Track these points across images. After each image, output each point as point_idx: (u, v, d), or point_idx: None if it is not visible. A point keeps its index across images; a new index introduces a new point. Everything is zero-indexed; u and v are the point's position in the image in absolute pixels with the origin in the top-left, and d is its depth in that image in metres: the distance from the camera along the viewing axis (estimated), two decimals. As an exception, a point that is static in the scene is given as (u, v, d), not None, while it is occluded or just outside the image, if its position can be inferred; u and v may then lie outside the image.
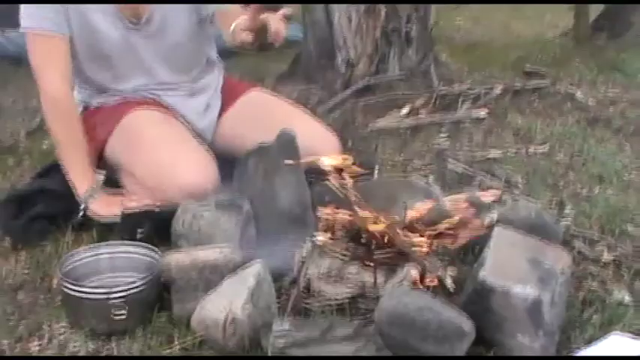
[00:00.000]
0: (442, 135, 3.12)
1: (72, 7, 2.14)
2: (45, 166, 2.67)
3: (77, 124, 2.17)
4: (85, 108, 2.39)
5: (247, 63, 5.38)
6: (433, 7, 3.98)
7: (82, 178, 2.15)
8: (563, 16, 8.75)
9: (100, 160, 2.30)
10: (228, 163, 2.26)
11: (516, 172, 2.68)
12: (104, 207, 2.14)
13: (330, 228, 1.84)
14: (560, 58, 5.22)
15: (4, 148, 3.48)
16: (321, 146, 2.29)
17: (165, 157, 2.11)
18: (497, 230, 1.73)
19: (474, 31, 7.06)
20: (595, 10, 6.07)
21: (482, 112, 3.32)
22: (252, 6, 1.97)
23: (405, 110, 3.32)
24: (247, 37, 2.00)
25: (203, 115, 2.44)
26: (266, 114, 2.43)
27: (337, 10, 3.73)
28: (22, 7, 2.16)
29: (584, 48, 5.50)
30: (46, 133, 3.74)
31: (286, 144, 2.11)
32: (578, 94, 3.73)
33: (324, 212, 1.85)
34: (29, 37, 2.17)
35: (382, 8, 3.64)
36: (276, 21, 2.05)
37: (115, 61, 2.28)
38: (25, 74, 5.55)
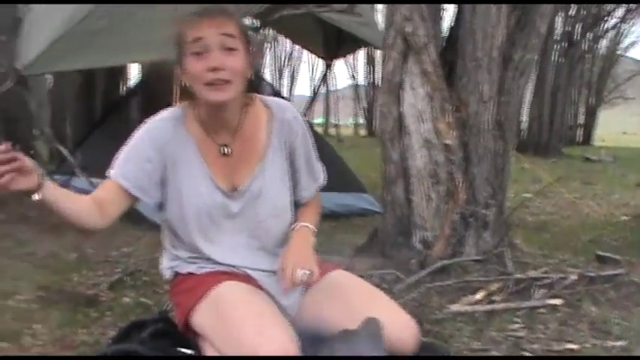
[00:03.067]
0: (517, 322, 3.13)
1: (170, 178, 2.24)
2: (126, 325, 2.76)
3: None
4: (176, 274, 2.47)
5: (322, 232, 5.52)
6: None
7: None
8: (633, 195, 8.84)
9: (187, 327, 2.35)
10: (309, 341, 2.30)
11: (594, 369, 2.67)
12: None
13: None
14: (632, 241, 5.22)
15: (86, 300, 3.58)
16: (402, 334, 2.32)
17: (249, 334, 2.11)
18: None
19: (543, 207, 7.16)
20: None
21: (558, 301, 3.32)
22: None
23: (479, 295, 3.35)
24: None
25: (288, 293, 2.47)
26: (348, 296, 2.44)
27: (417, 190, 3.86)
28: (122, 154, 2.23)
29: (656, 232, 5.50)
30: (128, 286, 3.88)
31: (372, 332, 2.17)
32: (654, 287, 3.72)
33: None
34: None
35: (462, 193, 3.77)
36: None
37: (205, 227, 2.35)
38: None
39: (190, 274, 2.39)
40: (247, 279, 2.38)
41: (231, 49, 2.10)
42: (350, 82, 39.46)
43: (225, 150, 2.27)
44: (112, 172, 2.21)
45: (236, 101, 2.22)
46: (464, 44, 3.93)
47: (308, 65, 45.20)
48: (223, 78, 2.10)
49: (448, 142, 3.79)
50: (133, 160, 2.23)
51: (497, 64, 3.89)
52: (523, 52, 3.98)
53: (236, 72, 2.13)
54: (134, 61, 8.23)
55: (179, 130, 2.25)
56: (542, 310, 3.30)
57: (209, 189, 2.26)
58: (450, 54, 4.06)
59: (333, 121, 41.90)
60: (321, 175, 2.44)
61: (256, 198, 2.28)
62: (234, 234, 2.32)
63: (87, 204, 2.14)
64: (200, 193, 2.25)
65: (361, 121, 42.05)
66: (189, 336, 2.37)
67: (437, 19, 4.27)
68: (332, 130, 38.35)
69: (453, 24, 4.27)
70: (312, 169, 2.40)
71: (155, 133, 2.24)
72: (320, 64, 35.36)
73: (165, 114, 2.29)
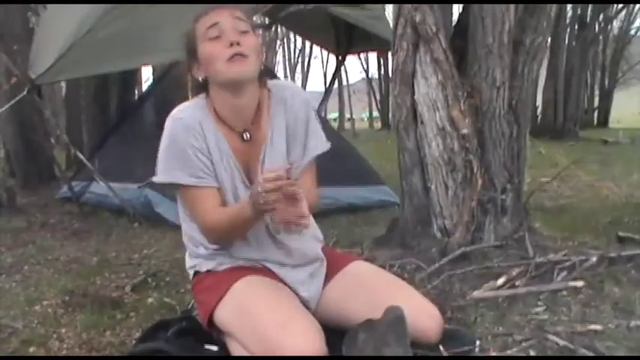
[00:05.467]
0: (540, 306, 3.13)
1: (217, 166, 2.33)
2: (151, 325, 2.81)
3: (230, 219, 2.27)
4: (196, 273, 2.50)
5: (342, 224, 5.55)
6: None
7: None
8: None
9: (210, 324, 2.38)
10: (331, 332, 2.32)
11: (619, 348, 2.65)
12: None
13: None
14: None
15: (110, 303, 3.62)
16: (425, 321, 2.36)
17: (272, 328, 2.15)
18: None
19: (561, 191, 7.13)
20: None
21: (580, 283, 3.31)
22: None
23: (501, 280, 3.34)
24: None
25: (307, 284, 2.50)
26: (370, 287, 2.48)
27: (434, 178, 3.86)
28: (162, 162, 2.32)
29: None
30: (151, 287, 3.91)
31: (395, 320, 2.19)
32: (677, 264, 3.69)
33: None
34: (182, 190, 2.34)
35: (479, 179, 3.77)
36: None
37: None
38: (126, 226, 5.88)
39: (210, 271, 2.44)
40: (266, 273, 2.42)
41: (244, 32, 2.24)
42: (362, 75, 39.28)
43: (246, 136, 2.37)
44: (192, 180, 2.28)
45: (253, 86, 2.31)
46: (474, 31, 3.92)
47: (320, 61, 44.75)
48: (242, 52, 2.20)
49: (462, 129, 3.79)
50: (192, 159, 2.29)
51: (508, 49, 3.88)
52: (533, 35, 3.95)
53: (252, 48, 2.25)
54: (145, 64, 8.28)
55: (207, 117, 2.33)
56: (564, 293, 3.28)
57: (235, 173, 2.36)
58: (460, 41, 4.05)
59: (347, 115, 41.83)
60: (318, 148, 2.48)
61: None
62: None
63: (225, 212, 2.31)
64: (233, 179, 2.36)
65: (375, 114, 41.93)
66: (213, 333, 2.41)
67: (445, 6, 4.25)
68: (347, 125, 38.24)
69: (461, 11, 4.26)
70: (308, 142, 2.45)
71: (189, 123, 2.29)
72: (332, 59, 35.31)
73: (189, 104, 2.37)
